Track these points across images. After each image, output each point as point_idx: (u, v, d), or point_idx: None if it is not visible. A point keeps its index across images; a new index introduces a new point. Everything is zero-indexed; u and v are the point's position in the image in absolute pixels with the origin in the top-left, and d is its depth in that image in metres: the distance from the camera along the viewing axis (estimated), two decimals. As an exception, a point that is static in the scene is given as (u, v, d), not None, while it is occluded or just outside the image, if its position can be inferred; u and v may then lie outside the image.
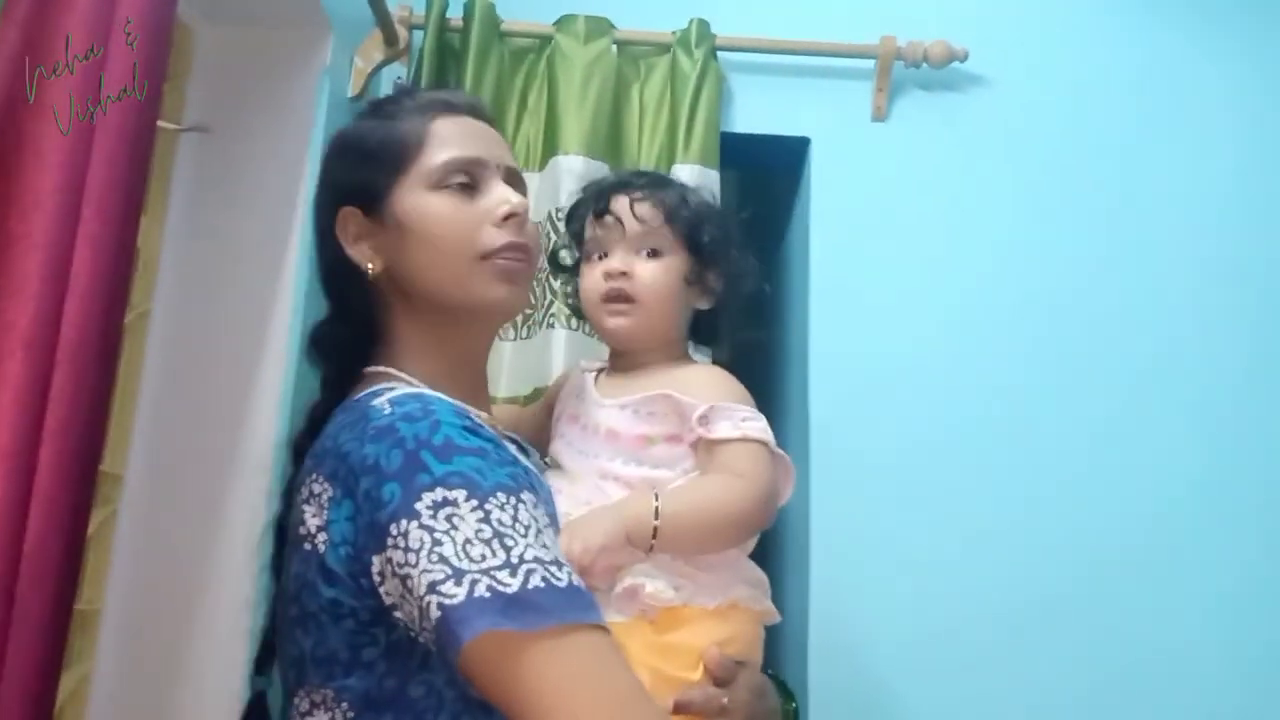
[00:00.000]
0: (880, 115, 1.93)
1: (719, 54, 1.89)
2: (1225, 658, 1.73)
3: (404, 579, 0.77)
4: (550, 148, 1.83)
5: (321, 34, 1.69)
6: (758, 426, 1.05)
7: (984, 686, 1.72)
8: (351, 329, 1.01)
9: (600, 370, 1.19)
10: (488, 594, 0.73)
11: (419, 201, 0.97)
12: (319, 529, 0.85)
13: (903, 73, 1.93)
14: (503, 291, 0.98)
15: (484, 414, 1.03)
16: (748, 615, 1.04)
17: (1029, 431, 1.82)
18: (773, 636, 1.10)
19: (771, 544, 1.90)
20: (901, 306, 1.88)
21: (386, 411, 0.85)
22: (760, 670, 1.04)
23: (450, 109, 1.02)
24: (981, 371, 1.85)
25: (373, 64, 1.82)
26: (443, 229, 0.96)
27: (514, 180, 1.03)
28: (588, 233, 1.16)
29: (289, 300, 1.60)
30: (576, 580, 0.78)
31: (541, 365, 1.74)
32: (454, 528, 0.76)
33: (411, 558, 0.76)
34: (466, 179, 0.98)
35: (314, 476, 0.87)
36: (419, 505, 0.77)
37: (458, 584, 0.74)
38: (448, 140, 0.99)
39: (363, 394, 0.94)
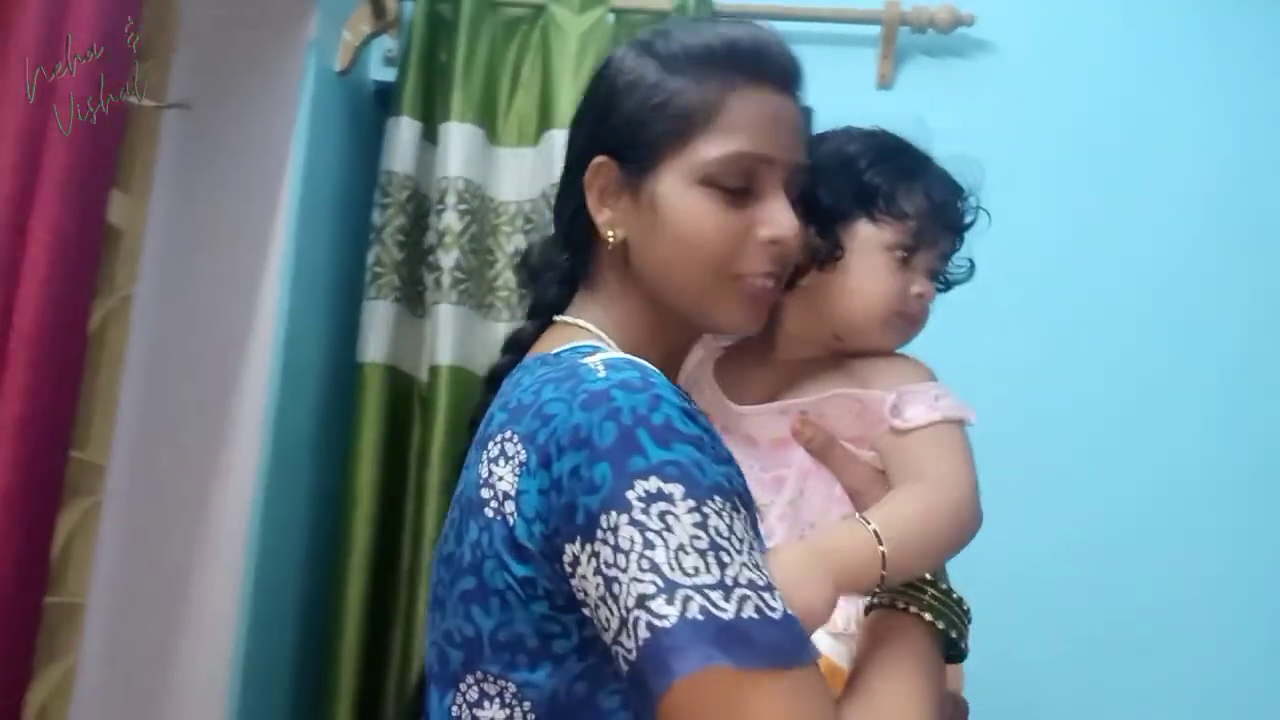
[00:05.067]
0: (886, 83, 1.87)
1: (719, 22, 1.83)
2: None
3: (610, 581, 0.69)
4: (545, 122, 1.78)
5: (307, 6, 1.64)
6: (954, 404, 0.89)
7: (1090, 687, 1.69)
8: (571, 266, 0.90)
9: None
10: (700, 616, 0.65)
11: (680, 194, 0.83)
12: (507, 496, 0.74)
13: (908, 39, 1.86)
14: (743, 316, 0.86)
15: None
16: None
17: (1049, 415, 1.77)
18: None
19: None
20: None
21: (600, 374, 0.74)
22: None
23: (757, 77, 0.84)
24: (994, 351, 1.79)
25: (361, 37, 1.77)
26: (699, 237, 0.83)
27: (798, 178, 0.87)
28: (915, 220, 0.93)
29: (276, 281, 1.56)
30: (790, 611, 0.69)
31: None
32: (667, 528, 0.68)
33: (621, 559, 0.68)
34: (743, 182, 0.83)
35: (507, 434, 0.76)
36: (630, 495, 0.69)
37: (669, 601, 0.66)
38: (739, 125, 0.83)
39: (563, 348, 0.83)
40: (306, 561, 1.67)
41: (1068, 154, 1.86)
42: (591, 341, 0.84)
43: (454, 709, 0.77)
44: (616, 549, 0.68)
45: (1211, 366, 1.79)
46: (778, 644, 0.66)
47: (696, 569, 0.67)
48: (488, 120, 1.80)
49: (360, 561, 1.64)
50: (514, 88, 1.84)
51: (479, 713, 0.76)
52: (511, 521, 0.73)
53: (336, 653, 1.61)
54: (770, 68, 0.85)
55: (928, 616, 0.81)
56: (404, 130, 1.76)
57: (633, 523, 0.68)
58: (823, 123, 2.00)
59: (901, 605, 0.82)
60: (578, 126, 0.90)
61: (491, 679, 0.75)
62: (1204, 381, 1.79)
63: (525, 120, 1.82)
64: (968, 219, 0.96)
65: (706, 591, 0.66)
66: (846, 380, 0.92)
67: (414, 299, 1.78)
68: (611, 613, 0.68)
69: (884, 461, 0.89)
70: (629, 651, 0.67)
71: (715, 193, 0.82)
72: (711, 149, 0.82)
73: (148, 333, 1.53)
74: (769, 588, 0.68)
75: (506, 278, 1.77)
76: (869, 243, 0.92)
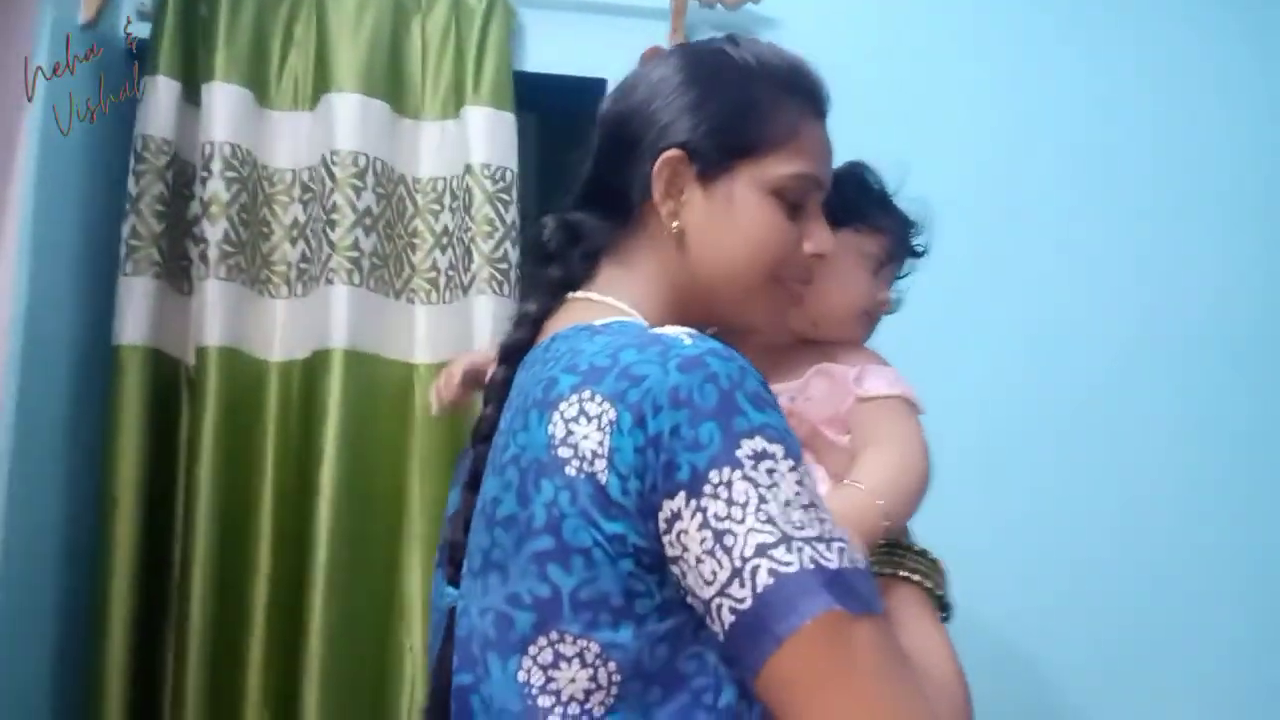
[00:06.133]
0: (677, 56, 1.87)
1: (507, -14, 1.77)
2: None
3: (720, 534, 0.73)
4: (321, 85, 1.66)
5: (40, -52, 1.46)
6: (910, 390, 1.03)
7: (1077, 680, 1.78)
8: (608, 244, 0.94)
9: None
10: (812, 565, 0.72)
11: (755, 199, 0.92)
12: (596, 455, 0.76)
13: (697, 13, 1.86)
14: (769, 316, 0.96)
15: None
16: None
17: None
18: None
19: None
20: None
21: (688, 342, 0.79)
22: None
23: (818, 110, 0.97)
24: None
25: (109, -14, 1.60)
26: (766, 239, 0.92)
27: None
28: (888, 236, 1.09)
29: (14, 258, 1.41)
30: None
31: (319, 325, 1.60)
32: (775, 485, 0.74)
33: (736, 512, 0.73)
34: (800, 200, 0.94)
35: (585, 394, 0.78)
36: (740, 453, 0.74)
37: (789, 550, 0.72)
38: (805, 151, 0.94)
39: (610, 320, 0.87)
40: (63, 569, 1.51)
41: (853, 128, 1.91)
42: (629, 319, 0.89)
43: (522, 674, 0.77)
44: (730, 502, 0.73)
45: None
46: (872, 593, 0.74)
47: (803, 523, 0.73)
48: (257, 81, 1.67)
49: (125, 565, 1.50)
50: (286, 47, 1.71)
51: (555, 674, 0.77)
52: (603, 479, 0.76)
53: (102, 666, 1.47)
54: (826, 103, 0.98)
55: (927, 582, 0.92)
56: (161, 91, 1.60)
57: (746, 478, 0.73)
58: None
59: (904, 575, 0.92)
60: (641, 112, 0.94)
61: (570, 639, 0.76)
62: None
63: (300, 82, 1.70)
64: (921, 249, 1.13)
65: (814, 544, 0.73)
66: (822, 358, 1.05)
67: (177, 274, 1.63)
68: (720, 565, 0.72)
69: (852, 430, 1.02)
70: (740, 601, 0.72)
71: (780, 204, 0.92)
72: (787, 166, 0.92)
73: None
74: (851, 542, 0.76)
75: (284, 251, 1.66)
76: (851, 248, 1.06)
